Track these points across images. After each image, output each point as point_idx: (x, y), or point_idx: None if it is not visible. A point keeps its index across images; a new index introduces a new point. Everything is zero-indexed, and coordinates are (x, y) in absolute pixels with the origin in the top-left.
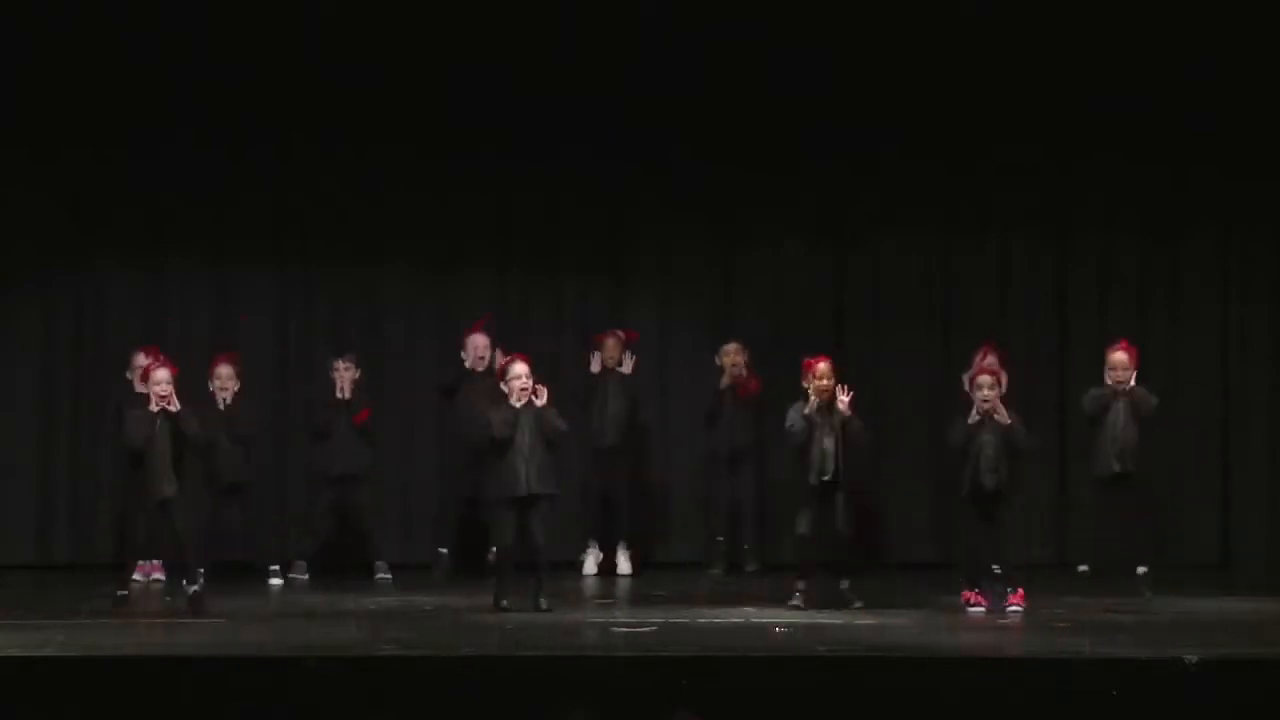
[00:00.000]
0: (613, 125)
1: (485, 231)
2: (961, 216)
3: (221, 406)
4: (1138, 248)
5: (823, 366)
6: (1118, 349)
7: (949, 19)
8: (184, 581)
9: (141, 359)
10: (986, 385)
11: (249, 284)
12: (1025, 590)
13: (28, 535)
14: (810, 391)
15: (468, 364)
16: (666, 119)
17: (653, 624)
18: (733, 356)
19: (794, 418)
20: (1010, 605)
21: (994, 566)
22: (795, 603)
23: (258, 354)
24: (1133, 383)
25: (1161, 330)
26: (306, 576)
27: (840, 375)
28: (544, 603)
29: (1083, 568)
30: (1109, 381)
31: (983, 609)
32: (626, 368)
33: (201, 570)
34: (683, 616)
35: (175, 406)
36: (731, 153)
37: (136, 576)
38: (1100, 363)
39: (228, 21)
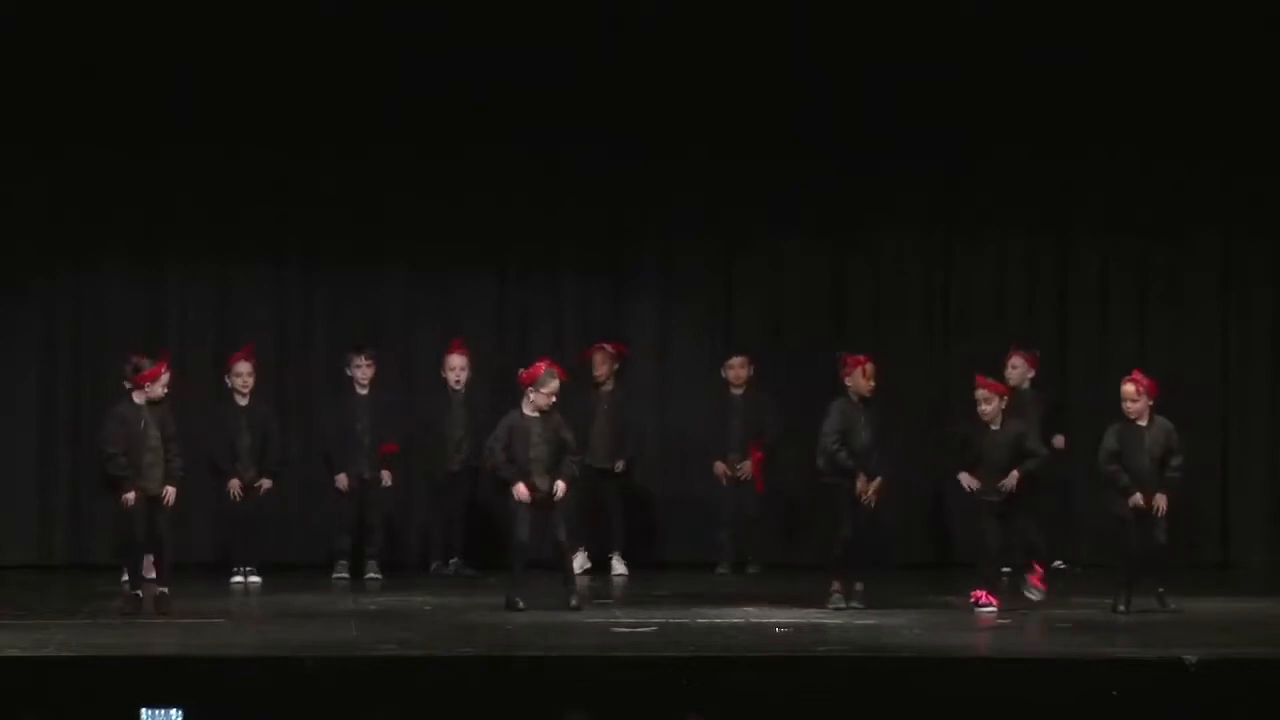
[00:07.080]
0: (613, 125)
1: (485, 232)
2: (961, 216)
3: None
4: (1138, 248)
5: (871, 366)
6: (1128, 380)
7: (949, 18)
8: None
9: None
10: (983, 400)
11: (249, 284)
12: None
13: (28, 535)
14: (853, 389)
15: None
16: (667, 118)
17: (653, 624)
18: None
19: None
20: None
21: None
22: (838, 604)
23: (257, 354)
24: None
25: (1161, 330)
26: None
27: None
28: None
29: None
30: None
31: (994, 609)
32: (610, 385)
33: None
34: (683, 616)
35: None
36: (732, 152)
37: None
38: (1099, 363)
39: (228, 21)
